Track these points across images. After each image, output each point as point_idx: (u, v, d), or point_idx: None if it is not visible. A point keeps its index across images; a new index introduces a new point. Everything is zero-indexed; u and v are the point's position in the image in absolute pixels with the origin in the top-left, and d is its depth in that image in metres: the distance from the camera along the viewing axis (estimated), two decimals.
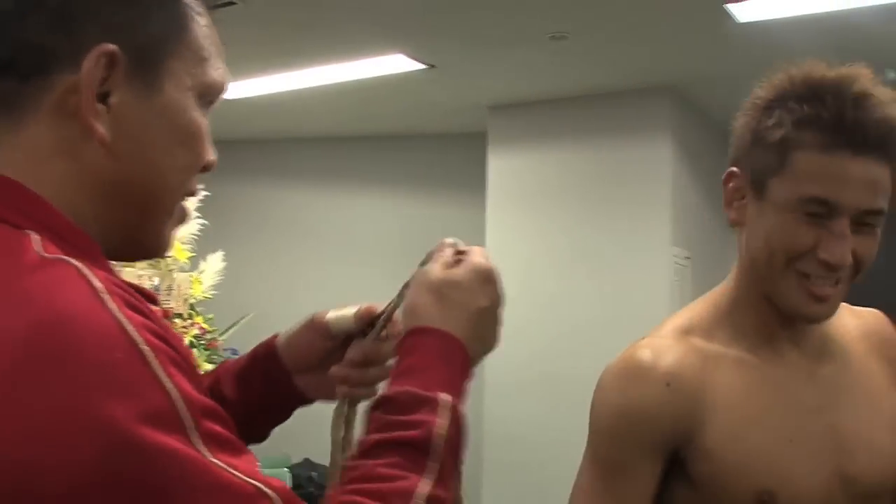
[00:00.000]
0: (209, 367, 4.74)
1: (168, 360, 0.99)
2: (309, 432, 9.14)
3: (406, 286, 1.37)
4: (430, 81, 7.10)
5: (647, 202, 7.37)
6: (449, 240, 1.41)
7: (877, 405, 1.96)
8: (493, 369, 7.66)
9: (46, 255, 1.03)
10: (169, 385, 0.98)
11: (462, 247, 1.39)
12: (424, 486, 1.12)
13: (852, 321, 2.07)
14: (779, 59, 6.23)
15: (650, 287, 7.30)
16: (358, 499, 1.11)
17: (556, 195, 7.71)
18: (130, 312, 1.00)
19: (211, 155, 1.24)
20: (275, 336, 1.53)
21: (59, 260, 1.03)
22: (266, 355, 1.51)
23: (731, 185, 1.90)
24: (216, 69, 1.23)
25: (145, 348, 0.97)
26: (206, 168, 1.24)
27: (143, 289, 1.15)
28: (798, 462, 1.87)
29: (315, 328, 1.49)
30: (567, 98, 7.53)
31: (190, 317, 4.95)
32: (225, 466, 0.99)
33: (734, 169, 1.90)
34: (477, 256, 1.36)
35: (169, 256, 5.00)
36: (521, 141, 7.85)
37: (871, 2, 5.38)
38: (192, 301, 5.06)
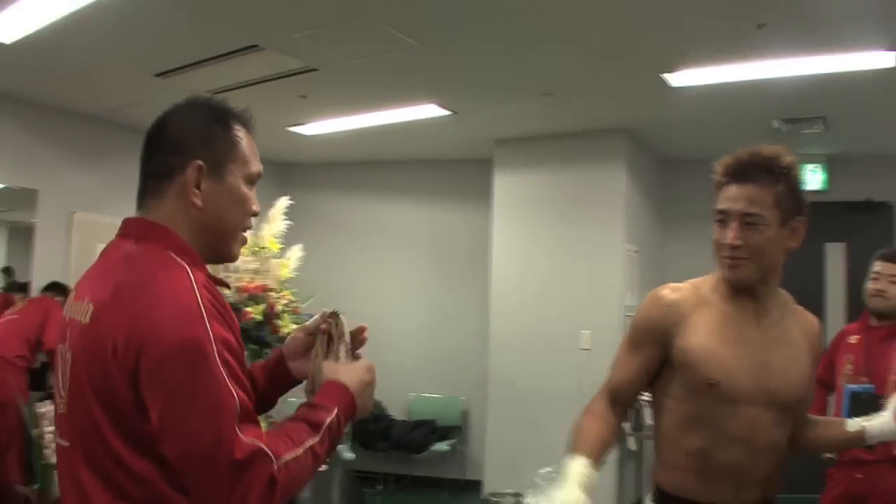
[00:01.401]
0: (294, 326, 4.83)
1: (214, 317, 1.53)
2: None
3: (338, 317, 1.91)
4: (453, 123, 7.10)
5: (607, 210, 7.40)
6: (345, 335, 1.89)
7: (796, 358, 2.33)
8: (496, 330, 7.77)
9: (179, 260, 1.62)
10: (209, 328, 1.51)
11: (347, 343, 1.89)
12: (311, 441, 1.62)
13: (800, 314, 2.44)
14: (699, 111, 6.31)
15: (610, 271, 7.35)
16: (288, 429, 1.62)
17: (543, 205, 7.72)
18: (204, 292, 1.55)
19: (255, 207, 1.79)
20: (281, 348, 2.01)
21: (182, 265, 1.60)
22: (277, 359, 1.98)
23: None
24: (253, 166, 1.78)
25: (202, 309, 1.52)
26: (253, 214, 1.79)
27: (218, 278, 1.74)
28: (738, 370, 2.24)
29: (304, 329, 1.94)
30: (552, 136, 7.55)
31: (281, 290, 5.03)
32: (224, 375, 1.51)
33: None
34: (366, 362, 1.87)
35: (265, 248, 5.12)
36: (518, 166, 7.85)
37: (761, 76, 5.51)
38: (282, 279, 5.15)
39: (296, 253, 5.34)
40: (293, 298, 5.06)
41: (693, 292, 2.35)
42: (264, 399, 1.91)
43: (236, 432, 1.50)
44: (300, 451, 1.59)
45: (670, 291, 2.36)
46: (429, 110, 6.72)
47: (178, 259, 1.62)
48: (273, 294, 4.90)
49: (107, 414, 1.54)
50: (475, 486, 7.98)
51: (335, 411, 1.69)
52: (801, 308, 2.45)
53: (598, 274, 7.38)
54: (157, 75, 5.78)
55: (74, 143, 7.19)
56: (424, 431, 8.38)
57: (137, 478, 1.53)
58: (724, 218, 2.25)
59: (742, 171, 2.23)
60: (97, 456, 1.56)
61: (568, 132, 7.45)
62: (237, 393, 1.53)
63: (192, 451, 1.49)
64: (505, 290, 7.76)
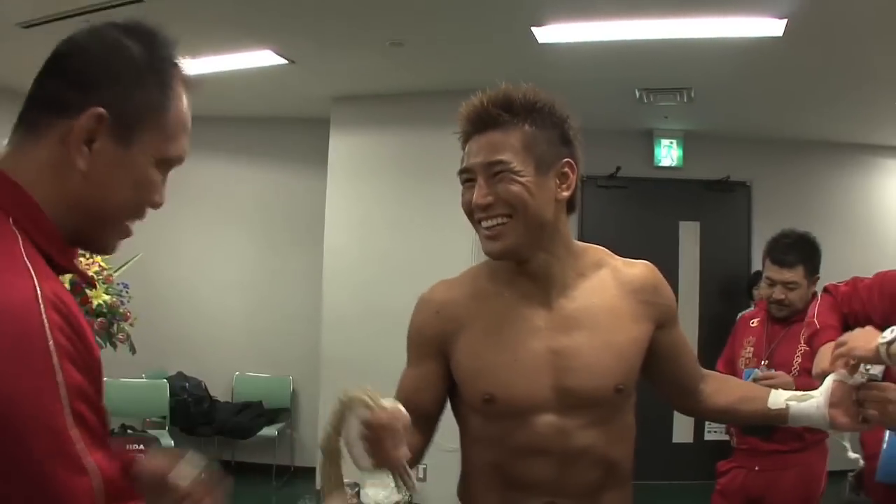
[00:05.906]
0: (107, 297, 4.60)
1: (66, 355, 1.17)
2: (181, 350, 8.95)
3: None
4: (289, 74, 6.87)
5: (454, 177, 7.28)
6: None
7: (611, 336, 2.05)
8: (330, 305, 7.68)
9: (25, 260, 1.22)
10: (60, 376, 1.15)
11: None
12: None
13: (621, 270, 2.14)
14: (563, 72, 6.27)
15: (453, 242, 6.98)
16: None
17: (383, 170, 7.66)
18: (53, 315, 1.17)
19: (158, 199, 1.45)
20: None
21: (28, 270, 1.20)
22: None
23: None
24: (177, 147, 1.41)
25: (51, 343, 1.15)
26: (153, 205, 1.46)
27: (84, 275, 1.51)
28: (517, 373, 2.01)
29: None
30: (397, 94, 7.43)
31: (91, 256, 4.79)
32: (75, 439, 1.16)
33: None
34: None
35: None
36: (359, 126, 7.73)
37: (632, 37, 5.55)
38: None
39: None
40: (105, 266, 4.86)
41: (469, 285, 2.15)
42: None
43: None
44: None
45: (442, 291, 2.18)
46: (264, 57, 6.48)
47: (25, 257, 1.24)
48: (84, 260, 4.64)
49: None
50: (308, 472, 7.88)
51: None
52: (623, 261, 2.18)
53: (445, 247, 7.25)
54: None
55: None
56: (251, 414, 8.26)
57: None
58: (468, 178, 2.06)
59: (480, 119, 2.02)
60: None
61: (416, 91, 7.35)
62: (92, 457, 1.20)
63: None
64: (340, 262, 7.67)
